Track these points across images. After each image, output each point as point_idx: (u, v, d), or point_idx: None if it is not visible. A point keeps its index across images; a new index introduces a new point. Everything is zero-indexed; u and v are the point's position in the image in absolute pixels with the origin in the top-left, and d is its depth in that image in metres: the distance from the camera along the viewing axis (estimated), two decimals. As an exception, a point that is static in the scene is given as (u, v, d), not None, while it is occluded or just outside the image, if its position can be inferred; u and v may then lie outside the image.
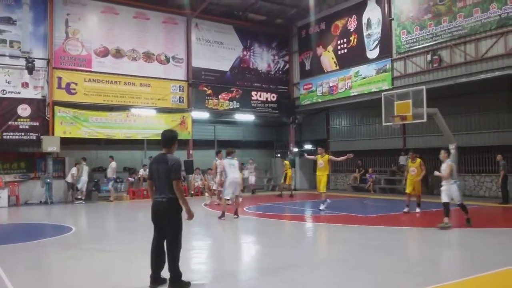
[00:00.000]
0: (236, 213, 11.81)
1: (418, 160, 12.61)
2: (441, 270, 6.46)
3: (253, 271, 6.52)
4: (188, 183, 20.12)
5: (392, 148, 20.66)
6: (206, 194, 19.95)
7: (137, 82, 19.74)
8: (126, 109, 19.60)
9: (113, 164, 18.18)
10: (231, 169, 11.66)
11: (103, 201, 17.92)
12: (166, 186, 5.33)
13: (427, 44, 17.04)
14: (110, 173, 18.25)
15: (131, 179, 19.56)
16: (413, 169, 12.43)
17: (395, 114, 15.72)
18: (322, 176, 13.46)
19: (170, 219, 5.33)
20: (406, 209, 12.32)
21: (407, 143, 20.11)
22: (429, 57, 16.96)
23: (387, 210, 13.81)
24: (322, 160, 13.50)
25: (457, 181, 9.88)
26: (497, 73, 14.94)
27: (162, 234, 5.39)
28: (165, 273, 5.32)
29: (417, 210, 12.34)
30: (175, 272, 5.24)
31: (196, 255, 7.56)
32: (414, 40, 17.55)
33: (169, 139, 5.63)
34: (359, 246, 8.16)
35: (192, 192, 19.80)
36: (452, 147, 16.00)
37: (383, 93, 16.91)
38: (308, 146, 26.67)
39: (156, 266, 5.36)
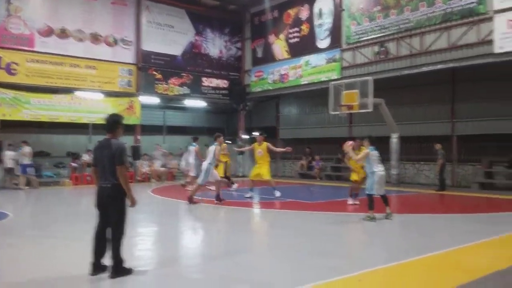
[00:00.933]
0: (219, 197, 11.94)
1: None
2: (382, 253, 6.73)
3: (198, 256, 6.52)
4: (135, 169, 19.72)
5: (339, 136, 21.15)
6: (153, 180, 19.67)
7: (83, 64, 19.00)
8: (71, 92, 18.85)
9: (27, 149, 16.57)
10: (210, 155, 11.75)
11: (45, 187, 17.23)
12: (110, 172, 5.20)
13: (375, 36, 17.51)
14: (22, 159, 16.48)
15: (74, 165, 18.90)
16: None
17: (343, 104, 16.11)
18: (263, 164, 13.18)
19: (114, 206, 5.23)
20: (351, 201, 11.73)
21: (353, 131, 20.67)
22: (376, 48, 17.45)
23: (333, 196, 14.18)
24: (260, 148, 13.30)
25: (375, 171, 9.19)
26: (439, 66, 15.62)
27: (106, 220, 5.28)
28: (107, 261, 5.22)
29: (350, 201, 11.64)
30: (117, 259, 5.15)
31: (141, 241, 7.46)
32: (363, 32, 17.97)
33: (113, 123, 5.47)
34: (305, 231, 8.34)
35: (139, 178, 19.44)
36: (394, 136, 16.68)
37: (331, 83, 17.25)
38: (257, 133, 26.79)
39: (98, 253, 5.25)
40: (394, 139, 17.08)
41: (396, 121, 17.29)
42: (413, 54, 16.34)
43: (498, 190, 15.44)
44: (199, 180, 12.01)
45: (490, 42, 14.14)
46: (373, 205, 9.17)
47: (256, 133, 25.30)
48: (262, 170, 13.10)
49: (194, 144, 15.37)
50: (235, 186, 15.90)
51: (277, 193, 13.07)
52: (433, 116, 17.84)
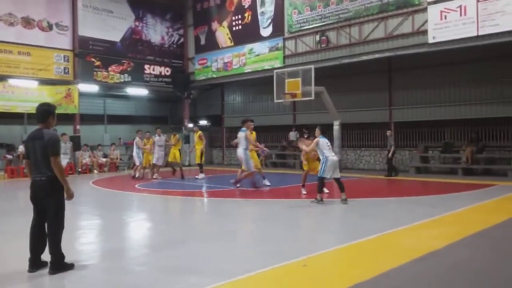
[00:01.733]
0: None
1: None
2: (327, 237, 6.94)
3: (142, 248, 6.42)
4: (75, 160, 19.00)
5: (283, 124, 21.47)
6: (95, 171, 19.07)
7: (15, 50, 17.95)
8: (2, 80, 17.76)
9: None
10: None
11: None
12: (43, 163, 4.98)
13: (316, 25, 17.81)
14: None
15: (9, 157, 17.93)
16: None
17: (286, 92, 16.32)
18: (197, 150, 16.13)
19: (50, 199, 5.02)
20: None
21: (297, 119, 21.05)
22: (317, 37, 17.76)
23: (279, 183, 14.38)
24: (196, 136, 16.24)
25: (327, 156, 9.60)
26: (377, 55, 16.17)
27: (42, 214, 5.07)
28: (46, 256, 5.03)
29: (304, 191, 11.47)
30: (57, 254, 4.97)
31: (82, 235, 7.24)
32: (305, 20, 18.22)
33: (43, 113, 5.21)
34: (250, 218, 8.43)
35: (80, 169, 18.76)
36: (336, 124, 17.15)
37: (275, 71, 17.42)
38: (203, 122, 26.62)
39: (36, 248, 5.04)
40: (336, 126, 17.54)
41: (337, 108, 17.75)
42: (352, 44, 16.80)
43: (433, 173, 16.34)
44: (248, 168, 11.86)
45: (424, 32, 14.80)
46: (321, 188, 9.76)
47: (201, 122, 25.18)
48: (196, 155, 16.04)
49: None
50: (202, 175, 15.92)
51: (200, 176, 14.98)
52: (372, 104, 18.51)
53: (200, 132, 16.62)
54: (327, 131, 10.17)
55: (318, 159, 10.26)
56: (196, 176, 15.82)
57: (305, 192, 11.11)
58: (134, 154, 16.32)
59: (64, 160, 16.43)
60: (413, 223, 7.34)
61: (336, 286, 4.40)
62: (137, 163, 16.25)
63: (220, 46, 21.81)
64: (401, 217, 8.22)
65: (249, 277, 4.66)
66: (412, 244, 6.07)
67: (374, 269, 4.88)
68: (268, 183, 13.04)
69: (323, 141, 9.75)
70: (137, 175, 16.11)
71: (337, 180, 9.81)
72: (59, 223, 5.06)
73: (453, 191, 11.60)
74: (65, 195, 5.09)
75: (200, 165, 16.07)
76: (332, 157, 9.69)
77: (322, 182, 9.78)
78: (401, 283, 4.51)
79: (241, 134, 12.29)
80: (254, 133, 13.62)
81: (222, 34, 21.74)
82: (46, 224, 5.07)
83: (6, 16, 17.73)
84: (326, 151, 9.66)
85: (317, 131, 9.95)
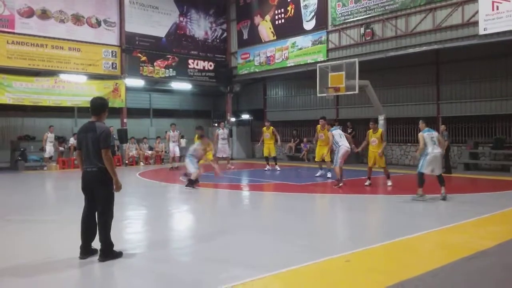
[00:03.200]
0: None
1: (380, 130, 11.78)
2: (370, 234, 6.85)
3: (187, 238, 6.56)
4: (122, 152, 19.61)
5: (327, 118, 21.18)
6: (141, 163, 19.61)
7: (66, 46, 18.66)
8: (54, 75, 18.56)
9: None
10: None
11: (30, 171, 17.08)
12: (95, 155, 5.17)
13: (360, 17, 17.47)
14: None
15: (61, 148, 18.73)
16: (374, 139, 11.56)
17: (329, 86, 16.13)
18: (269, 144, 16.69)
19: (101, 189, 5.22)
20: (367, 182, 11.76)
21: (340, 113, 20.77)
22: (362, 30, 17.43)
23: (322, 178, 14.28)
24: (267, 132, 16.68)
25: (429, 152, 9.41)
26: (424, 48, 15.68)
27: (93, 204, 5.28)
28: (96, 244, 5.24)
29: (389, 183, 11.63)
30: (106, 242, 5.17)
31: (130, 225, 7.48)
32: (349, 13, 17.91)
33: (98, 106, 5.42)
34: (294, 212, 8.43)
35: (127, 162, 19.34)
36: (381, 118, 16.78)
37: (318, 65, 17.23)
38: (245, 116, 26.78)
39: (87, 236, 5.26)
40: (381, 121, 17.16)
41: (382, 103, 17.36)
42: (399, 36, 16.37)
43: (483, 170, 15.72)
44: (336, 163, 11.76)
45: (474, 24, 14.21)
46: (422, 183, 9.34)
47: (244, 116, 25.30)
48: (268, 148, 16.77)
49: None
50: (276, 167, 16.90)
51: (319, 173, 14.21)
52: (419, 98, 17.99)
53: (272, 127, 17.05)
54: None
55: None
56: (268, 168, 16.67)
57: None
58: (171, 147, 17.72)
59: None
60: (462, 221, 7.12)
61: (379, 282, 4.33)
62: (173, 154, 17.68)
63: (263, 40, 21.81)
64: (449, 215, 7.98)
65: (291, 270, 4.67)
66: (461, 243, 5.88)
67: (419, 267, 4.77)
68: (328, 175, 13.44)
69: (427, 135, 9.46)
70: (176, 165, 17.33)
71: (438, 176, 9.51)
72: (108, 212, 5.25)
73: (504, 189, 11.12)
74: (114, 187, 5.27)
75: (274, 158, 17.02)
76: (434, 152, 9.30)
77: (421, 177, 9.38)
78: (448, 282, 4.39)
79: (340, 132, 12.16)
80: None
81: (265, 28, 21.73)
82: (96, 214, 5.27)
83: (57, 14, 18.45)
84: (429, 146, 9.34)
85: (421, 125, 9.79)
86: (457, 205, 9.02)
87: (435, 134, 9.59)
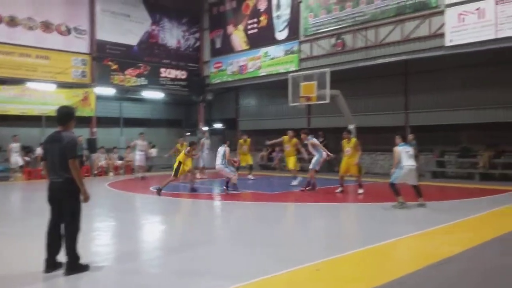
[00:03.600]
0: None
1: (353, 140, 12.12)
2: (340, 242, 6.90)
3: (156, 250, 6.46)
4: (91, 162, 19.22)
5: (298, 127, 21.35)
6: (111, 173, 19.26)
7: (34, 53, 18.26)
8: (21, 83, 18.09)
9: None
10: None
11: (-5, 182, 16.53)
12: (61, 166, 5.04)
13: (332, 28, 17.75)
14: None
15: (27, 159, 18.20)
16: (348, 149, 11.93)
17: (301, 95, 16.28)
18: (246, 156, 17.31)
19: (67, 200, 5.08)
20: (339, 189, 12.06)
21: (311, 123, 20.97)
22: (333, 40, 17.70)
23: (292, 187, 14.34)
24: (245, 145, 17.30)
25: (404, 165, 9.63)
26: (393, 58, 16.04)
27: (59, 216, 5.13)
28: (62, 257, 5.09)
29: (360, 191, 11.87)
30: (72, 255, 5.02)
31: (98, 236, 7.31)
32: (320, 24, 18.18)
33: (64, 116, 5.30)
34: (263, 221, 8.42)
35: (96, 172, 18.95)
36: (351, 127, 17.02)
37: (290, 74, 17.38)
38: (218, 125, 26.72)
39: (52, 249, 5.10)
40: (352, 130, 17.41)
41: (352, 112, 17.61)
42: (368, 46, 16.70)
43: (449, 178, 16.11)
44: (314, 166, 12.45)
45: (441, 35, 14.63)
46: (397, 193, 9.64)
47: (216, 125, 25.25)
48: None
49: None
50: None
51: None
52: (388, 107, 18.35)
53: (249, 139, 17.42)
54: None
55: None
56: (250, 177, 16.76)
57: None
58: (137, 156, 17.45)
59: None
60: (429, 228, 7.25)
61: (349, 291, 4.36)
62: (139, 163, 17.45)
63: (236, 50, 21.87)
64: (417, 222, 8.12)
65: (261, 280, 4.65)
66: (428, 250, 5.99)
67: (388, 274, 4.83)
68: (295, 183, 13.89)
69: (401, 149, 9.62)
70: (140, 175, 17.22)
71: (415, 187, 9.75)
72: (75, 224, 5.12)
73: (469, 197, 11.42)
74: (81, 197, 5.15)
75: (250, 167, 17.43)
76: (409, 165, 9.51)
77: (393, 187, 9.66)
78: (416, 289, 4.45)
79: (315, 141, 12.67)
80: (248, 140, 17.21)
81: (238, 38, 21.81)
82: (62, 225, 5.13)
83: (26, 21, 18.04)
84: (404, 159, 9.51)
85: (397, 140, 9.86)
86: (426, 213, 9.19)
87: (410, 149, 9.76)
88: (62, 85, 19.15)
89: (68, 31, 19.30)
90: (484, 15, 13.62)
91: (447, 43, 14.39)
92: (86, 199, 5.17)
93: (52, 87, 18.89)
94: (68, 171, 5.03)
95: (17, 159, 17.28)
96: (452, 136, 16.98)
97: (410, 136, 15.47)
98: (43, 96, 18.59)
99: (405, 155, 9.56)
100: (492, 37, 13.44)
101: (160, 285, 4.68)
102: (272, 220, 8.55)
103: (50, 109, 18.51)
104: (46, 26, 18.64)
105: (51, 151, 5.13)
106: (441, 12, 14.65)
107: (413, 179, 9.77)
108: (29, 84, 18.25)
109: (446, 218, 8.17)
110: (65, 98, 18.99)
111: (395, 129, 17.60)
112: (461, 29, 14.08)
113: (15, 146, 17.31)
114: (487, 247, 6.08)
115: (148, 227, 8.40)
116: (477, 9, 13.75)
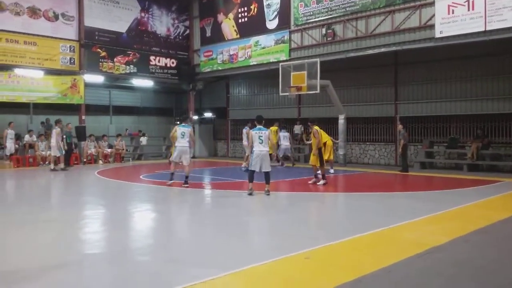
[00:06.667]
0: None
1: (314, 128, 11.79)
2: (322, 232, 6.96)
3: (146, 238, 6.45)
4: (80, 150, 19.08)
5: (289, 117, 21.45)
6: (100, 161, 19.15)
7: (21, 39, 17.99)
8: (8, 69, 17.84)
9: None
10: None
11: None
12: None
13: (322, 18, 17.71)
14: None
15: (16, 146, 18.02)
16: (310, 139, 12.06)
17: (291, 85, 16.28)
18: None
19: None
20: (312, 180, 11.97)
21: (302, 113, 21.01)
22: (323, 30, 17.67)
23: (283, 176, 14.39)
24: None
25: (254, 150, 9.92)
26: (383, 49, 16.07)
27: None
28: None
29: (319, 182, 11.69)
30: None
31: (87, 225, 7.27)
32: (311, 13, 18.13)
33: None
34: (251, 211, 8.45)
35: (85, 160, 18.83)
36: (341, 118, 17.10)
37: (280, 64, 17.37)
38: (208, 114, 26.67)
39: None
40: (341, 120, 17.51)
41: (342, 102, 17.73)
42: (359, 37, 16.71)
43: (438, 169, 16.29)
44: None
45: (431, 27, 14.68)
46: (251, 180, 9.97)
47: (206, 114, 25.17)
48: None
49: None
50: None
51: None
52: (378, 98, 18.44)
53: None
54: (262, 121, 10.30)
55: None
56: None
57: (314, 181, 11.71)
58: (54, 144, 15.42)
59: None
60: (416, 218, 7.34)
61: (338, 279, 4.41)
62: (57, 154, 15.58)
63: (226, 38, 21.75)
64: (404, 212, 8.21)
65: (251, 268, 4.68)
66: (415, 239, 6.07)
67: (376, 263, 4.89)
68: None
69: (254, 134, 9.95)
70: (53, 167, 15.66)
71: (266, 173, 9.93)
72: None
73: (457, 187, 11.56)
74: None
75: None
76: (259, 151, 9.82)
77: (250, 174, 10.00)
78: (402, 278, 4.52)
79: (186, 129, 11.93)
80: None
81: (228, 26, 21.67)
82: None
83: (13, 6, 17.75)
84: (255, 144, 9.89)
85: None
86: (412, 203, 9.30)
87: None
88: (50, 72, 18.92)
89: (56, 17, 19.02)
90: (473, 7, 13.69)
91: (437, 34, 14.45)
92: None
93: (40, 73, 18.65)
94: None
95: (11, 145, 17.19)
96: (441, 127, 17.14)
97: (399, 126, 15.60)
98: (31, 82, 18.38)
99: (257, 140, 9.91)
100: (481, 29, 13.53)
101: (148, 272, 4.69)
102: (259, 209, 8.59)
103: (38, 96, 18.39)
104: (33, 12, 18.34)
105: None
106: (432, 3, 14.69)
107: (265, 166, 9.92)
108: (17, 71, 18.00)
109: (434, 208, 8.28)
110: (53, 85, 18.79)
111: (385, 120, 17.83)
112: (451, 20, 14.14)
113: (10, 132, 17.21)
114: (471, 237, 6.18)
115: (137, 216, 8.38)
116: (467, 1, 13.80)
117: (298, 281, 4.43)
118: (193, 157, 21.86)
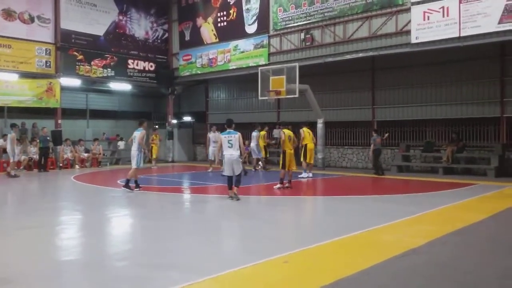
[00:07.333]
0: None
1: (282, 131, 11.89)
2: (307, 235, 6.99)
3: (123, 243, 6.37)
4: (56, 154, 18.72)
5: (268, 121, 21.47)
6: (77, 166, 18.83)
7: (-5, 42, 17.58)
8: (-19, 72, 17.42)
9: None
10: None
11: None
12: None
13: (301, 23, 17.84)
14: None
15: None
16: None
17: (270, 89, 16.34)
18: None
19: None
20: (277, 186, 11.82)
21: (281, 117, 21.08)
22: (302, 35, 17.80)
23: (258, 181, 14.41)
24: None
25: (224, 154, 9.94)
26: (360, 54, 16.27)
27: None
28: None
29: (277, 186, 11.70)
30: None
31: (63, 230, 7.14)
32: (290, 18, 18.24)
33: None
34: (229, 215, 8.42)
35: (61, 164, 18.49)
36: (320, 122, 17.24)
37: (259, 68, 17.41)
38: (187, 118, 26.53)
39: None
40: (320, 125, 17.63)
41: (321, 107, 17.86)
42: (337, 42, 16.88)
43: (414, 172, 16.54)
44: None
45: (407, 32, 14.93)
46: (230, 186, 9.97)
47: (186, 118, 25.03)
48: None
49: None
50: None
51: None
52: (355, 102, 18.64)
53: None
54: (232, 125, 10.28)
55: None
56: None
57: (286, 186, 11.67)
58: (9, 150, 14.96)
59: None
60: (394, 221, 7.43)
61: (317, 282, 4.42)
62: (12, 159, 15.14)
63: (205, 42, 21.69)
64: (383, 215, 8.30)
65: (229, 273, 4.66)
66: (393, 242, 6.14)
67: (354, 266, 4.93)
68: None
69: (223, 138, 9.96)
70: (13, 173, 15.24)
71: (237, 176, 9.94)
72: None
73: (433, 190, 11.76)
74: None
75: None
76: (229, 155, 9.79)
77: (228, 180, 10.01)
78: (380, 280, 4.56)
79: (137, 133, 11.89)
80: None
81: (207, 30, 21.63)
82: None
83: (-14, 8, 17.36)
84: (224, 149, 9.89)
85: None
86: (390, 205, 9.42)
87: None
88: (25, 75, 18.54)
89: (32, 20, 18.67)
90: (448, 13, 13.99)
91: (413, 40, 14.70)
92: None
93: (15, 77, 18.25)
94: None
95: None
96: (417, 131, 17.42)
97: (374, 133, 15.83)
98: (5, 86, 17.95)
99: (226, 145, 9.87)
100: (456, 35, 13.83)
101: (126, 277, 4.63)
102: (237, 213, 8.57)
103: (13, 100, 18.00)
104: (8, 14, 17.96)
105: None
106: (408, 10, 14.95)
107: (237, 169, 9.89)
108: (-10, 74, 17.59)
109: (412, 210, 8.40)
110: (29, 88, 18.43)
111: (362, 124, 18.04)
112: (426, 26, 14.41)
113: None
114: (448, 239, 6.28)
115: (114, 221, 8.26)
116: (442, 7, 14.11)
117: (277, 285, 4.43)
118: (172, 161, 21.75)
